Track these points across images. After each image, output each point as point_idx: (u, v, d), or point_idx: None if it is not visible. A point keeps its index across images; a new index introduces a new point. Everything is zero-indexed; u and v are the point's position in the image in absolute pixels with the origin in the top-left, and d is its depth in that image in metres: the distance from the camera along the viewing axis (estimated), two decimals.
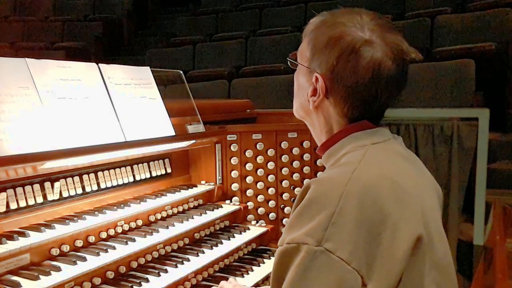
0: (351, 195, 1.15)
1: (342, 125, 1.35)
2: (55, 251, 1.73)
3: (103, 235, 1.93)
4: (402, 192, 1.22)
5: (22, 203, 1.76)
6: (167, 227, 2.09)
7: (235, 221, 2.56)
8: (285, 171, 2.70)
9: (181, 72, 2.64)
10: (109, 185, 2.12)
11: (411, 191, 1.24)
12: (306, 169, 2.71)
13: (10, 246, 1.58)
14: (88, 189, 2.02)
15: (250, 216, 2.65)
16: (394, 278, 1.15)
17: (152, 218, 2.18)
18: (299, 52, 1.43)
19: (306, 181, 1.24)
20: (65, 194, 1.93)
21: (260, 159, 2.66)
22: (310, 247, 1.13)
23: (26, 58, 1.80)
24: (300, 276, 1.13)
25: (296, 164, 2.70)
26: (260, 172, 2.66)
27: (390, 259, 1.14)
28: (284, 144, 2.69)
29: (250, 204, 2.66)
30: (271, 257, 2.36)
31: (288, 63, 1.48)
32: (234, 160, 2.64)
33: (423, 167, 1.42)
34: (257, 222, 2.59)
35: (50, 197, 1.87)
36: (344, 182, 1.18)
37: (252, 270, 2.22)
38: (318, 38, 1.32)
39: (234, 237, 2.35)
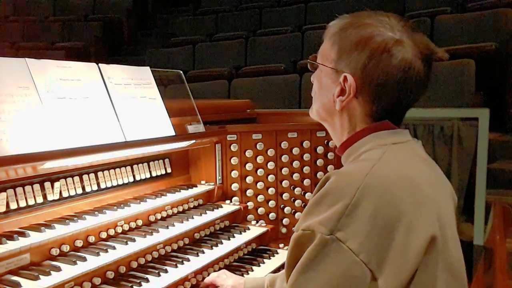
0: (368, 190, 1.18)
1: (365, 125, 1.37)
2: (55, 251, 1.73)
3: (103, 235, 1.93)
4: (420, 192, 1.24)
5: (22, 203, 1.76)
6: (167, 227, 2.09)
7: (235, 221, 2.56)
8: (285, 171, 2.70)
9: (181, 72, 2.64)
10: (109, 185, 2.12)
11: (429, 193, 1.26)
12: (306, 169, 2.71)
13: (10, 246, 1.58)
14: (88, 189, 2.02)
15: (250, 216, 2.65)
16: (406, 275, 1.17)
17: (152, 218, 2.18)
18: (320, 54, 1.44)
19: (327, 173, 1.30)
20: (65, 194, 1.93)
21: (260, 159, 2.66)
22: (323, 236, 1.17)
23: (26, 58, 1.79)
24: (310, 261, 1.18)
25: (296, 164, 2.70)
26: (260, 172, 2.66)
27: (402, 256, 1.16)
28: (284, 144, 2.69)
29: (250, 204, 2.66)
30: (271, 257, 2.37)
31: (308, 65, 1.50)
32: (234, 160, 2.64)
33: (441, 172, 1.44)
34: (257, 222, 2.59)
35: (50, 197, 1.87)
36: (362, 176, 1.20)
37: (252, 270, 2.22)
38: (345, 39, 1.34)
39: (234, 237, 2.35)
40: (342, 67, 1.35)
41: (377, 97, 1.32)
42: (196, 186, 2.53)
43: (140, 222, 2.11)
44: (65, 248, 1.77)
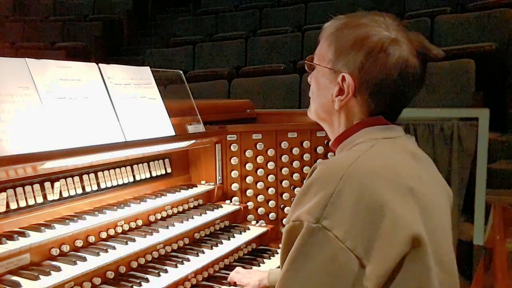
0: (351, 178, 1.20)
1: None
2: (55, 251, 1.73)
3: (103, 235, 1.93)
4: (403, 183, 1.25)
5: (22, 203, 1.76)
6: (167, 227, 2.09)
7: (235, 221, 2.56)
8: (285, 171, 2.70)
9: (181, 72, 2.64)
10: (109, 185, 2.12)
11: (412, 185, 1.27)
12: (306, 169, 2.71)
13: (10, 246, 1.58)
14: (88, 189, 2.02)
15: (250, 216, 2.65)
16: (390, 263, 1.17)
17: (152, 218, 2.18)
18: (317, 54, 1.46)
19: (315, 164, 1.32)
20: (65, 194, 1.93)
21: (260, 159, 2.66)
22: (310, 224, 1.19)
23: (26, 58, 1.79)
24: (298, 251, 1.21)
25: (296, 164, 2.70)
26: (260, 172, 2.66)
27: (388, 244, 1.17)
28: (284, 144, 2.69)
29: (250, 204, 2.66)
30: (271, 257, 2.36)
31: (305, 66, 1.52)
32: (234, 160, 2.64)
33: (433, 167, 1.45)
34: (257, 222, 2.59)
35: (50, 197, 1.87)
36: (346, 165, 1.23)
37: None
38: (342, 39, 1.36)
39: (234, 237, 2.35)
40: (339, 67, 1.37)
41: (375, 96, 1.35)
42: (196, 186, 2.53)
43: (140, 222, 2.11)
44: (65, 248, 1.77)
